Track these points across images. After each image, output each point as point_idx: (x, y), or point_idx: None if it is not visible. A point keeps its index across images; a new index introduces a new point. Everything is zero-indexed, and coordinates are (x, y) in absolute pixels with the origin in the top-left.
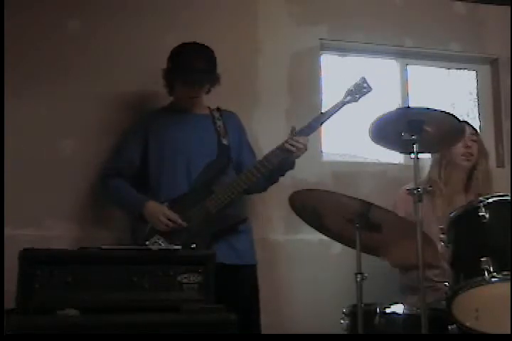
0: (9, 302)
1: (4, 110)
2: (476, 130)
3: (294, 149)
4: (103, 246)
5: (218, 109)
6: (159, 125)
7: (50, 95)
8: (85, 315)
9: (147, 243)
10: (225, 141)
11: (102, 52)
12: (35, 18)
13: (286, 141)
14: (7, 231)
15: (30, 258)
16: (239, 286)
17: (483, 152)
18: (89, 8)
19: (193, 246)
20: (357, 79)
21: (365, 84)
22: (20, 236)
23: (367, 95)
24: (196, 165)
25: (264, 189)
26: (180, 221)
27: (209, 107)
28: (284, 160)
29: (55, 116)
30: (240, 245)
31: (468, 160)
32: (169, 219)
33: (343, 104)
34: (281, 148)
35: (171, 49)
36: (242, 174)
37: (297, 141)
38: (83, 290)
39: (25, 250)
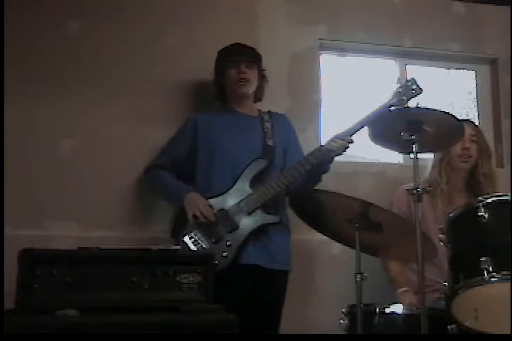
0: (9, 303)
1: (4, 110)
2: (478, 129)
3: (334, 148)
4: (102, 247)
5: (269, 112)
6: (209, 126)
7: (50, 95)
8: (85, 315)
9: (185, 238)
10: (270, 142)
11: (101, 52)
12: (35, 19)
13: (329, 142)
14: (7, 231)
15: (30, 258)
16: (268, 290)
17: (485, 152)
18: (89, 9)
19: (228, 243)
20: (406, 80)
21: (414, 86)
22: (20, 236)
23: (416, 97)
24: (241, 165)
25: (307, 189)
26: (215, 215)
27: (259, 110)
28: (324, 159)
29: (55, 116)
30: (274, 247)
31: (465, 161)
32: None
33: (388, 106)
34: (320, 149)
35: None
36: (281, 174)
37: (338, 141)
38: (83, 290)
39: (25, 250)
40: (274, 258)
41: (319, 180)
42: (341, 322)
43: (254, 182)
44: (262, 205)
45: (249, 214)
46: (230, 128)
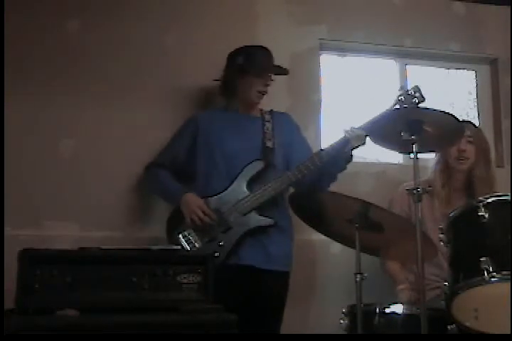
0: (9, 302)
1: (4, 110)
2: (476, 130)
3: (353, 138)
4: (103, 247)
5: (271, 111)
6: (209, 126)
7: (50, 95)
8: (85, 315)
9: (179, 236)
10: (269, 144)
11: (101, 52)
12: (35, 19)
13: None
14: (7, 231)
15: (30, 258)
16: (267, 291)
17: (483, 154)
18: (88, 8)
19: (221, 243)
20: (409, 88)
21: (417, 94)
22: (21, 236)
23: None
24: (240, 166)
25: (321, 189)
26: (213, 217)
27: (261, 109)
28: (337, 157)
29: (56, 116)
30: (274, 248)
31: (462, 163)
32: (204, 213)
33: (390, 112)
34: (329, 147)
35: (233, 50)
36: (279, 176)
37: (356, 131)
38: (83, 290)
39: (25, 250)
40: (272, 259)
41: (334, 178)
42: (341, 322)
43: (252, 183)
44: (257, 207)
45: (244, 215)
46: (230, 129)
